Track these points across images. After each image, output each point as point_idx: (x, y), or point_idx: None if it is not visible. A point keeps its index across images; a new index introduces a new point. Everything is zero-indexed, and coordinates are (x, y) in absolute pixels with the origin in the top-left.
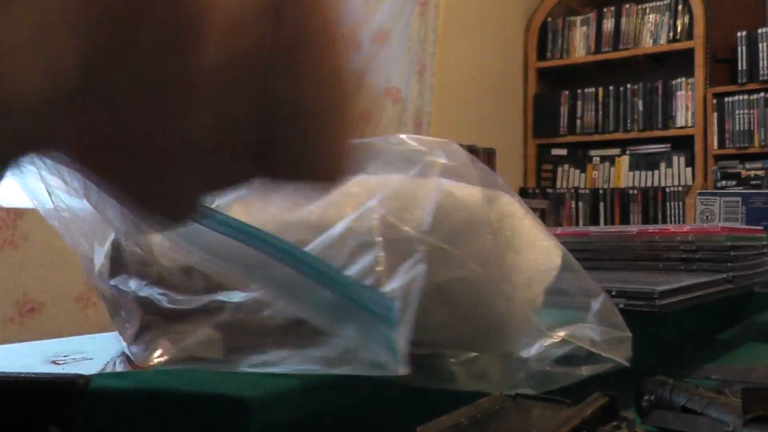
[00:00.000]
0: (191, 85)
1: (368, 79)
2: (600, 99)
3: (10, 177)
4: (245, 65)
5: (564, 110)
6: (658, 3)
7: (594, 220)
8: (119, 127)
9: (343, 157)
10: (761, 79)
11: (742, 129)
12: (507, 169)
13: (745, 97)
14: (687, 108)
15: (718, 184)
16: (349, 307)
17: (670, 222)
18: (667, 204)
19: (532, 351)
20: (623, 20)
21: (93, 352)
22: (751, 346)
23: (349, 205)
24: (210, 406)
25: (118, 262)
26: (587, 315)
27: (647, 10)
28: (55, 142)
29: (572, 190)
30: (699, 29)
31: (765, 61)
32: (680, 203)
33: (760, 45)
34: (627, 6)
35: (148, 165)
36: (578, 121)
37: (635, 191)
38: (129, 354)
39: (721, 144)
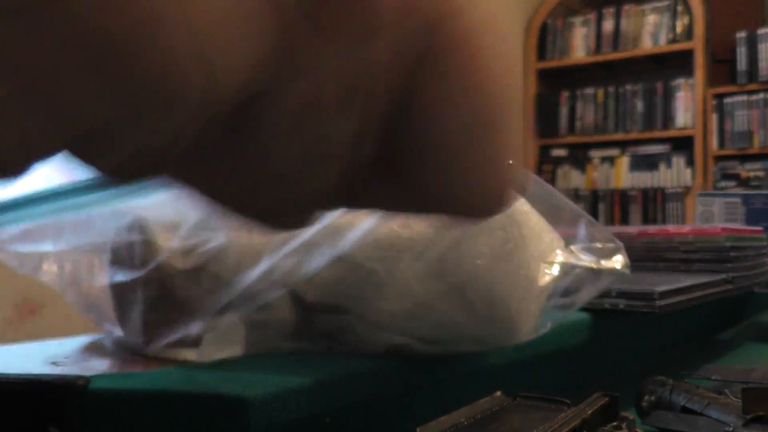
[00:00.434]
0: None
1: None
2: (600, 100)
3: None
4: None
5: (564, 111)
6: (657, 4)
7: None
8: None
9: (500, 182)
10: (761, 79)
11: (741, 130)
12: None
13: (745, 97)
14: (687, 109)
15: (718, 185)
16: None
17: (670, 223)
18: (667, 205)
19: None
20: (623, 21)
21: (93, 353)
22: (751, 347)
23: None
24: (210, 406)
25: (123, 260)
26: (575, 238)
27: (647, 11)
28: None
29: (572, 191)
30: (699, 30)
31: (765, 62)
32: (680, 204)
33: (760, 45)
34: (627, 7)
35: (271, 181)
36: (578, 122)
37: (635, 192)
38: (135, 345)
39: (721, 145)
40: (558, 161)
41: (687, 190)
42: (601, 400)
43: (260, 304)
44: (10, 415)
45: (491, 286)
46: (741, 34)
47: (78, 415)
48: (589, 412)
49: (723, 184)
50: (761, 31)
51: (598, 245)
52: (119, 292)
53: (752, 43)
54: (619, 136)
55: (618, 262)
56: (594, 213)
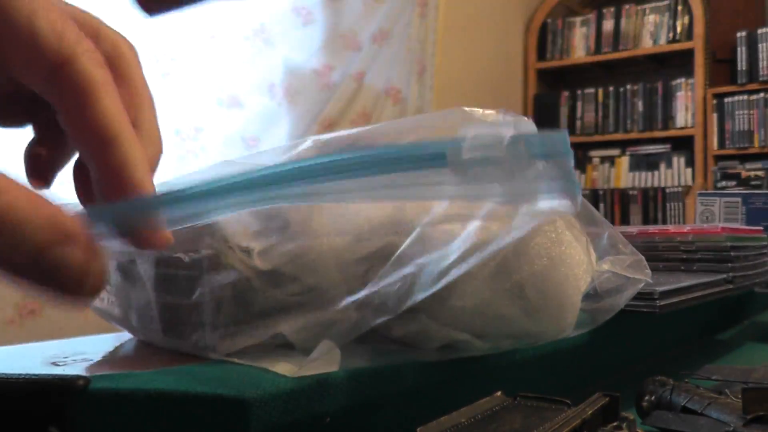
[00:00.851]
0: None
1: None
2: (600, 99)
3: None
4: None
5: (564, 111)
6: (657, 3)
7: None
8: None
9: None
10: (761, 79)
11: (742, 129)
12: None
13: (745, 97)
14: (687, 108)
15: (718, 185)
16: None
17: (670, 222)
18: (667, 204)
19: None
20: (623, 21)
21: (93, 354)
22: (752, 347)
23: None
24: (210, 406)
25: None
26: (599, 247)
27: (647, 11)
28: None
29: None
30: (699, 30)
31: (765, 62)
32: (680, 204)
33: (760, 45)
34: (627, 7)
35: None
36: (578, 122)
37: (635, 192)
38: (199, 346)
39: (721, 144)
40: None
41: (687, 189)
42: (601, 400)
43: (358, 333)
44: (10, 415)
45: (546, 284)
46: (741, 34)
47: (78, 415)
48: (590, 412)
49: (723, 183)
50: (761, 31)
51: (622, 255)
52: (176, 291)
53: (752, 43)
54: (619, 136)
55: (644, 273)
56: None
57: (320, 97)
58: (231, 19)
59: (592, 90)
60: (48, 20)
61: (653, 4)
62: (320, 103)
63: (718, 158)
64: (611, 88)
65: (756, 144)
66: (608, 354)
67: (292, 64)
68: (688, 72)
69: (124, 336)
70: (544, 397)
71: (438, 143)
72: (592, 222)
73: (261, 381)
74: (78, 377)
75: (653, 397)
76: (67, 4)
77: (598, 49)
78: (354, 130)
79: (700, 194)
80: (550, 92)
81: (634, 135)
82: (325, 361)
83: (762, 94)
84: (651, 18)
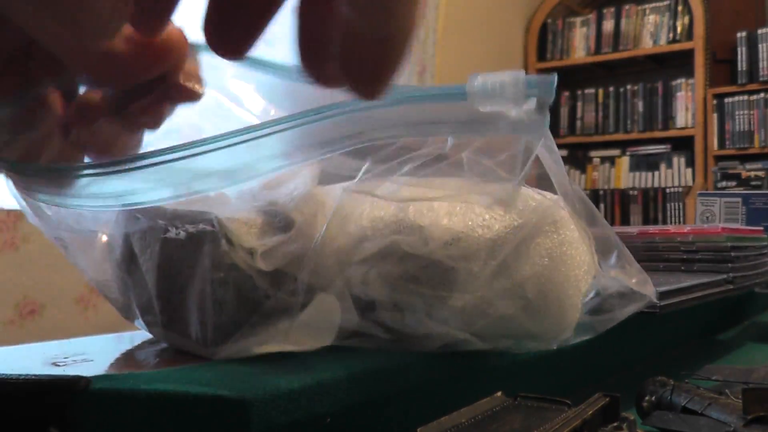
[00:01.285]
0: None
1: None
2: (600, 100)
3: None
4: None
5: (564, 111)
6: (658, 4)
7: None
8: None
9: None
10: (761, 79)
11: (742, 130)
12: None
13: (745, 97)
14: (687, 109)
15: (719, 185)
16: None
17: (671, 223)
18: (668, 205)
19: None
20: (623, 21)
21: (93, 354)
22: (752, 347)
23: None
24: (210, 406)
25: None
26: (608, 263)
27: (647, 11)
28: None
29: None
30: (699, 30)
31: (765, 62)
32: (680, 204)
33: (760, 45)
34: (627, 7)
35: None
36: (578, 122)
37: (635, 192)
38: (190, 346)
39: (722, 145)
40: None
41: (687, 190)
42: (601, 401)
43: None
44: (11, 416)
45: (547, 285)
46: (741, 34)
47: (78, 416)
48: (590, 412)
49: (723, 184)
50: (761, 31)
51: (626, 269)
52: (178, 289)
53: (752, 43)
54: (620, 136)
55: (649, 290)
56: None
57: (320, 98)
58: None
59: (592, 90)
60: None
61: (653, 5)
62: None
63: (719, 158)
64: (611, 89)
65: (756, 144)
66: (608, 354)
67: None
68: (689, 72)
69: (124, 336)
70: (544, 397)
71: (457, 85)
72: (593, 222)
73: (261, 381)
74: (78, 377)
75: (653, 398)
76: None
77: (598, 50)
78: None
79: (701, 194)
80: None
81: (634, 135)
82: (322, 325)
83: (762, 95)
84: (651, 18)
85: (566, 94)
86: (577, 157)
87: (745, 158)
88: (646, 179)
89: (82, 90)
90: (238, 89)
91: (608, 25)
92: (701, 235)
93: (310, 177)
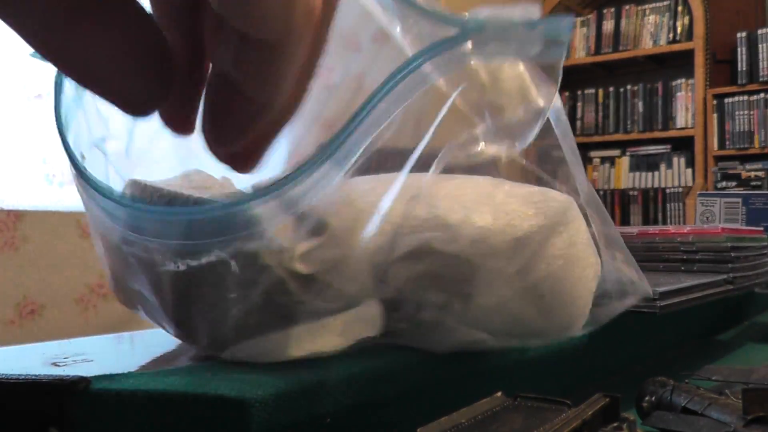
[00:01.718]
0: None
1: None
2: (600, 100)
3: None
4: None
5: (564, 111)
6: (658, 4)
7: None
8: None
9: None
10: (761, 80)
11: (742, 130)
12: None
13: (745, 98)
14: (687, 109)
15: (719, 185)
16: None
17: (671, 223)
18: (668, 205)
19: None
20: (623, 21)
21: (93, 354)
22: (752, 347)
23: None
24: (210, 406)
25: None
26: (609, 258)
27: (647, 12)
28: None
29: None
30: (699, 30)
31: (765, 62)
32: (680, 204)
33: (760, 46)
34: (627, 7)
35: None
36: (578, 122)
37: (635, 192)
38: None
39: (721, 145)
40: None
41: (687, 190)
42: (601, 401)
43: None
44: (10, 416)
45: (561, 285)
46: (741, 34)
47: (78, 416)
48: (590, 412)
49: (723, 184)
50: (761, 31)
51: (626, 264)
52: (199, 287)
53: (752, 43)
54: (620, 136)
55: (646, 284)
56: None
57: (320, 98)
58: None
59: (592, 90)
60: None
61: (653, 5)
62: (320, 103)
63: (719, 159)
64: (611, 89)
65: (756, 144)
66: (608, 354)
67: None
68: (688, 72)
69: (124, 336)
70: (544, 397)
71: (458, 20)
72: (603, 222)
73: (261, 381)
74: (78, 378)
75: (653, 398)
76: None
77: (598, 50)
78: None
79: (701, 195)
80: None
81: (634, 135)
82: (367, 321)
83: (762, 95)
84: (651, 18)
85: (566, 94)
86: None
87: (745, 158)
88: (646, 179)
89: None
90: None
91: (608, 26)
92: (701, 235)
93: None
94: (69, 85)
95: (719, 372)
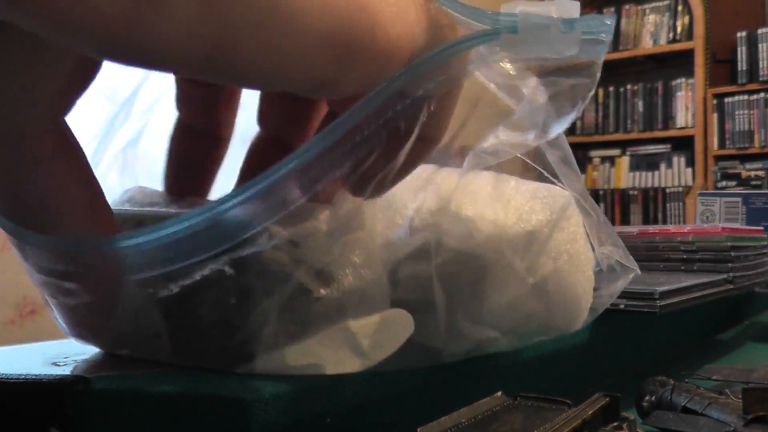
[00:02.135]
0: None
1: None
2: (600, 99)
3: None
4: None
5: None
6: (658, 4)
7: None
8: None
9: None
10: (761, 79)
11: (742, 129)
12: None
13: (745, 97)
14: (687, 108)
15: (719, 185)
16: None
17: (671, 222)
18: (668, 204)
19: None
20: (623, 21)
21: (93, 354)
22: (752, 347)
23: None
24: (210, 406)
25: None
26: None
27: (647, 11)
28: None
29: None
30: (699, 30)
31: (765, 62)
32: (680, 204)
33: (760, 45)
34: (627, 7)
35: None
36: (578, 122)
37: (635, 192)
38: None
39: (722, 144)
40: None
41: (687, 189)
42: (601, 401)
43: None
44: (10, 416)
45: (566, 281)
46: (741, 34)
47: (78, 416)
48: (590, 412)
49: (723, 183)
50: (761, 30)
51: (612, 251)
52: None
53: (752, 43)
54: (620, 136)
55: (633, 263)
56: None
57: None
58: None
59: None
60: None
61: (653, 4)
62: None
63: (719, 158)
64: (611, 88)
65: (756, 144)
66: (608, 354)
67: None
68: (689, 72)
69: None
70: (544, 397)
71: (490, 17)
72: (586, 211)
73: (261, 381)
74: (78, 378)
75: (653, 398)
76: None
77: None
78: None
79: (701, 194)
80: None
81: (634, 135)
82: (394, 333)
83: (762, 94)
84: (651, 18)
85: None
86: (577, 157)
87: (745, 158)
88: (646, 179)
89: None
90: None
91: None
92: (701, 234)
93: None
94: None
95: (719, 371)
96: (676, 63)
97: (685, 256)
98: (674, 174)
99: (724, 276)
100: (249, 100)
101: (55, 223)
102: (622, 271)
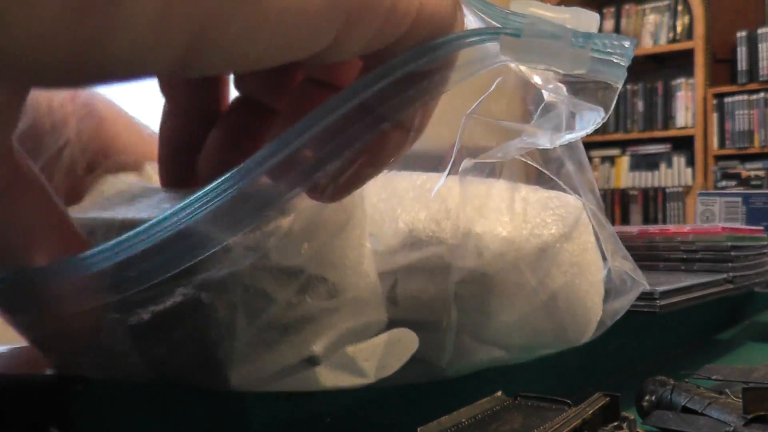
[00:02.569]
0: None
1: None
2: None
3: None
4: None
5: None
6: (658, 3)
7: None
8: None
9: None
10: (761, 79)
11: (742, 129)
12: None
13: (745, 97)
14: (687, 108)
15: (719, 185)
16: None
17: (671, 222)
18: (668, 204)
19: None
20: (623, 21)
21: None
22: (752, 346)
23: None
24: (210, 405)
25: None
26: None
27: (647, 11)
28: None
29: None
30: (699, 29)
31: (765, 61)
32: (680, 203)
33: (760, 45)
34: (627, 6)
35: None
36: None
37: (635, 191)
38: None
39: (722, 144)
40: None
41: (687, 189)
42: (601, 400)
43: None
44: (11, 415)
45: (575, 294)
46: (741, 34)
47: (78, 415)
48: (590, 412)
49: (723, 183)
50: (761, 30)
51: (621, 263)
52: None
53: (752, 43)
54: (620, 135)
55: (642, 277)
56: None
57: None
58: None
59: None
60: None
61: (653, 4)
62: None
63: (719, 158)
64: None
65: (756, 144)
66: (608, 354)
67: None
68: (689, 72)
69: None
70: (544, 397)
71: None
72: (600, 222)
73: None
74: (78, 377)
75: (653, 397)
76: None
77: None
78: None
79: (701, 194)
80: None
81: (634, 135)
82: (397, 353)
83: (762, 94)
84: (651, 18)
85: None
86: None
87: (745, 158)
88: (646, 179)
89: None
90: None
91: (608, 25)
92: (701, 234)
93: None
94: None
95: (719, 371)
96: (676, 63)
97: (685, 256)
98: (674, 174)
99: (724, 276)
100: None
101: (19, 258)
102: (632, 285)
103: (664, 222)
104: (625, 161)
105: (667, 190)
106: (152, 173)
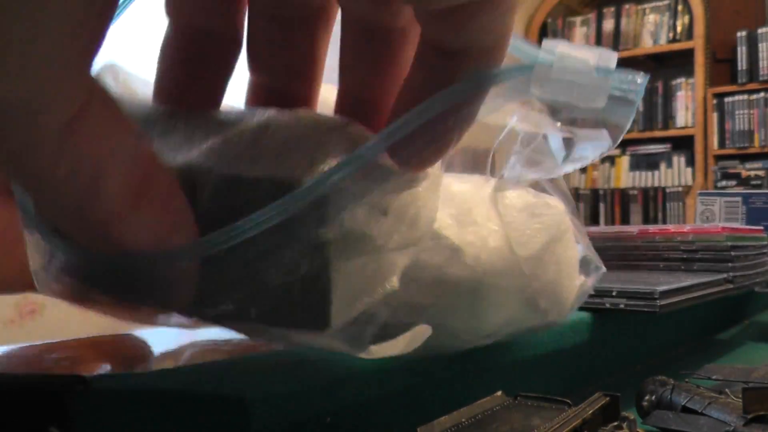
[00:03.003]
0: None
1: None
2: None
3: None
4: None
5: None
6: (658, 3)
7: (594, 221)
8: None
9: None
10: (761, 79)
11: (742, 129)
12: None
13: (745, 97)
14: (687, 108)
15: (719, 184)
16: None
17: (671, 222)
18: (668, 204)
19: None
20: (623, 21)
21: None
22: (752, 346)
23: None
24: (210, 406)
25: None
26: None
27: (647, 11)
28: None
29: (572, 191)
30: (699, 29)
31: (765, 61)
32: (680, 203)
33: (760, 45)
34: (627, 6)
35: None
36: None
37: (635, 191)
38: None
39: (722, 144)
40: None
41: (687, 189)
42: (601, 400)
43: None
44: (10, 415)
45: (556, 291)
46: (741, 34)
47: (78, 415)
48: (590, 412)
49: (723, 183)
50: (761, 30)
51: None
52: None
53: (752, 43)
54: None
55: (598, 262)
56: (594, 213)
57: None
58: None
59: None
60: None
61: (653, 4)
62: None
63: (719, 158)
64: None
65: (756, 144)
66: (608, 354)
67: None
68: (689, 72)
69: (124, 336)
70: (544, 396)
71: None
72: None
73: (261, 381)
74: (78, 377)
75: (653, 397)
76: None
77: None
78: None
79: (701, 194)
80: None
81: (634, 135)
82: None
83: (762, 94)
84: (651, 18)
85: None
86: None
87: (745, 158)
88: (646, 179)
89: None
90: None
91: (608, 25)
92: (701, 234)
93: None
94: None
95: (719, 371)
96: (676, 63)
97: (685, 256)
98: (674, 174)
99: (724, 276)
100: None
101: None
102: (593, 268)
103: (664, 222)
104: (625, 161)
105: (667, 190)
106: None
